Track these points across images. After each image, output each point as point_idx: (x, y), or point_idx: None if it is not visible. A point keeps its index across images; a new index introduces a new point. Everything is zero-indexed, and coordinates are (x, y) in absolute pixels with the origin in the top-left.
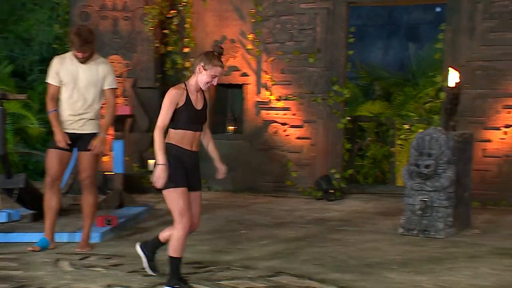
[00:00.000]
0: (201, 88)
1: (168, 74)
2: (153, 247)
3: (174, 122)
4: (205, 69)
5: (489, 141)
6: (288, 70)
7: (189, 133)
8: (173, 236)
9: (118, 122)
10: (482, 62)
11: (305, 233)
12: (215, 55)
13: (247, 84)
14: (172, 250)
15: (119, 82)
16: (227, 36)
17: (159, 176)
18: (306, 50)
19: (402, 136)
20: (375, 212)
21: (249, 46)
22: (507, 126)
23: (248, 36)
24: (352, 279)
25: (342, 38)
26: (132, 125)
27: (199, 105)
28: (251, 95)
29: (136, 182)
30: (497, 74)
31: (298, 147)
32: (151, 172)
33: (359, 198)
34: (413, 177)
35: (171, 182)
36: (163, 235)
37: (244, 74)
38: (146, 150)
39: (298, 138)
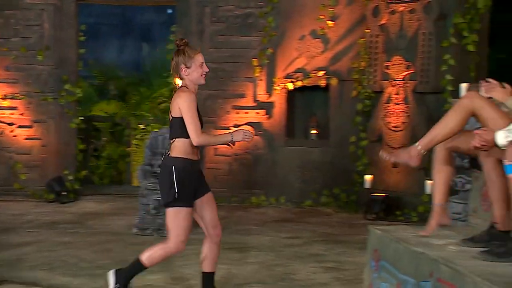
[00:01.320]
0: (196, 92)
1: None
2: (208, 283)
3: (184, 130)
4: (189, 67)
5: None
6: (14, 68)
7: None
8: (161, 246)
9: None
10: (211, 64)
11: (34, 237)
12: (184, 49)
13: None
14: (148, 256)
15: None
16: None
17: (244, 135)
18: (34, 47)
19: (138, 136)
20: (110, 213)
21: None
22: (236, 126)
23: None
24: (83, 282)
25: (72, 35)
26: None
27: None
28: None
29: None
30: (226, 75)
31: (27, 148)
32: None
33: (94, 199)
34: (148, 177)
35: (179, 201)
36: (206, 263)
37: None
38: None
39: (27, 138)
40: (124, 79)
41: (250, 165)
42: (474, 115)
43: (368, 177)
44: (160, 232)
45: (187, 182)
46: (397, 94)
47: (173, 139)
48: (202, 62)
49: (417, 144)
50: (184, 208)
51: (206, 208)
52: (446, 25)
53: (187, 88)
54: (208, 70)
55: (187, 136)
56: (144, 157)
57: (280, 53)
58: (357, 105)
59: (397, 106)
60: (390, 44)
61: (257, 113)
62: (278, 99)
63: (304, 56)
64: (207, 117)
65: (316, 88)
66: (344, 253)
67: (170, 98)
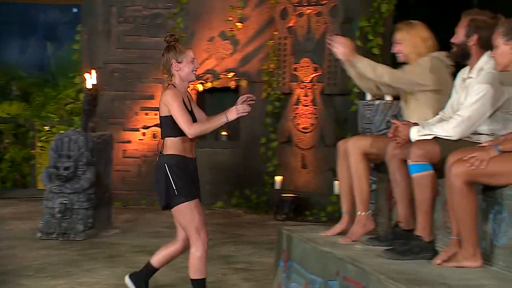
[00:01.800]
0: (187, 89)
1: None
2: (146, 276)
3: (172, 129)
4: (180, 62)
5: (128, 142)
6: None
7: (188, 138)
8: (193, 255)
9: None
10: (119, 64)
11: None
12: (175, 44)
13: None
14: (194, 271)
15: None
16: None
17: (238, 111)
18: None
19: (43, 138)
20: (13, 217)
21: None
22: (145, 127)
23: None
24: None
25: None
26: None
27: (189, 107)
28: None
29: None
30: (134, 76)
31: None
32: None
33: None
34: (53, 180)
35: (182, 196)
36: (156, 258)
37: None
38: None
39: None
40: (27, 79)
41: None
42: (366, 153)
43: (278, 178)
44: (66, 236)
45: (183, 177)
46: (306, 96)
47: (164, 138)
48: (193, 58)
49: (359, 213)
50: (190, 202)
51: None
52: (352, 28)
53: (173, 86)
54: (198, 66)
55: (176, 134)
56: (49, 160)
57: None
58: (267, 107)
59: (305, 107)
60: (298, 47)
61: None
62: None
63: (214, 58)
64: (114, 118)
65: (226, 89)
66: (254, 253)
67: (76, 99)
